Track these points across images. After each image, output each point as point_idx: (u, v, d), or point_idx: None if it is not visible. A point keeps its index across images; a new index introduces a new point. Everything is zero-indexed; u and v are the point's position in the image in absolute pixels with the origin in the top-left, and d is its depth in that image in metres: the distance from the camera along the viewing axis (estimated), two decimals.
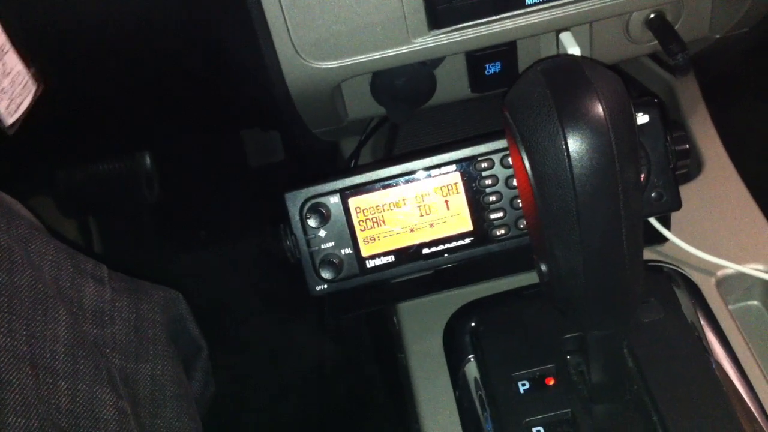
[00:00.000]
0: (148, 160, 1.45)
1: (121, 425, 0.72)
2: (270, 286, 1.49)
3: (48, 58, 0.84)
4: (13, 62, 0.72)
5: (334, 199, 0.80)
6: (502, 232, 0.81)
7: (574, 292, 0.65)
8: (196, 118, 1.24)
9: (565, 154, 0.59)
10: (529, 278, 0.86)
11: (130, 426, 0.73)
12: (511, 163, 0.79)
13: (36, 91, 0.76)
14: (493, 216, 0.80)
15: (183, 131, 1.30)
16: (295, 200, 0.80)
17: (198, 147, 1.45)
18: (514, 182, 0.79)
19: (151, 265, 1.46)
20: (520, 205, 0.79)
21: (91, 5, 0.88)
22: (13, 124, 0.73)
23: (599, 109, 0.59)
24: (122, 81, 1.02)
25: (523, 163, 0.63)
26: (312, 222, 0.80)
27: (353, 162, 1.05)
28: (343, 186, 0.80)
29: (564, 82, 0.61)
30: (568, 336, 0.78)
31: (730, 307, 0.84)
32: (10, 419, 0.63)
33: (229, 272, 1.54)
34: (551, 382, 0.76)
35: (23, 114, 0.74)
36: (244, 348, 1.43)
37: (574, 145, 0.59)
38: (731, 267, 0.84)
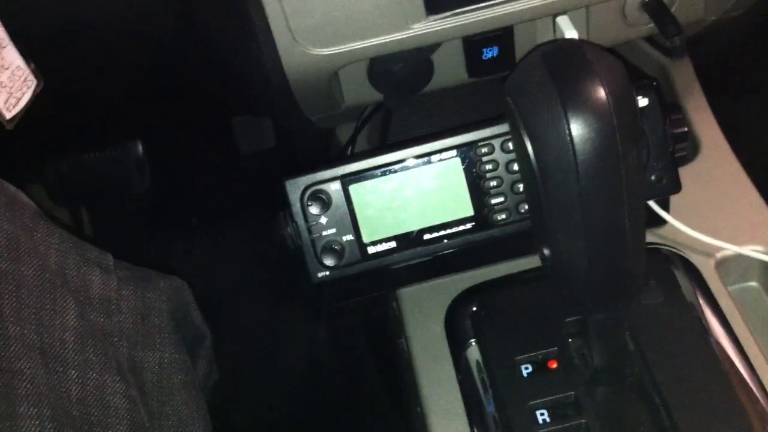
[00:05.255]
0: (139, 148, 1.44)
1: (131, 413, 0.73)
2: (263, 272, 1.49)
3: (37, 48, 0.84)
4: (12, 57, 0.72)
5: (335, 186, 0.80)
6: (503, 216, 0.81)
7: (576, 275, 0.66)
8: (187, 105, 1.23)
9: (569, 138, 0.59)
10: (530, 262, 0.87)
11: (139, 413, 0.73)
12: (511, 147, 0.79)
13: (37, 86, 0.76)
14: (494, 201, 0.81)
15: (174, 118, 1.29)
16: (295, 187, 0.80)
17: (189, 134, 1.44)
18: (515, 167, 0.79)
19: (143, 252, 1.46)
20: (521, 189, 0.79)
21: None
22: (13, 118, 0.73)
23: (602, 93, 0.59)
24: (112, 69, 1.01)
25: (526, 148, 0.63)
26: (313, 209, 0.80)
27: (350, 148, 1.05)
28: (344, 173, 0.80)
29: (565, 66, 0.62)
30: (569, 319, 0.78)
31: (729, 288, 0.84)
32: (22, 408, 0.63)
33: (221, 258, 1.53)
34: (554, 366, 0.77)
35: (23, 109, 0.74)
36: (236, 335, 1.42)
37: (577, 129, 0.59)
38: (730, 248, 0.85)
